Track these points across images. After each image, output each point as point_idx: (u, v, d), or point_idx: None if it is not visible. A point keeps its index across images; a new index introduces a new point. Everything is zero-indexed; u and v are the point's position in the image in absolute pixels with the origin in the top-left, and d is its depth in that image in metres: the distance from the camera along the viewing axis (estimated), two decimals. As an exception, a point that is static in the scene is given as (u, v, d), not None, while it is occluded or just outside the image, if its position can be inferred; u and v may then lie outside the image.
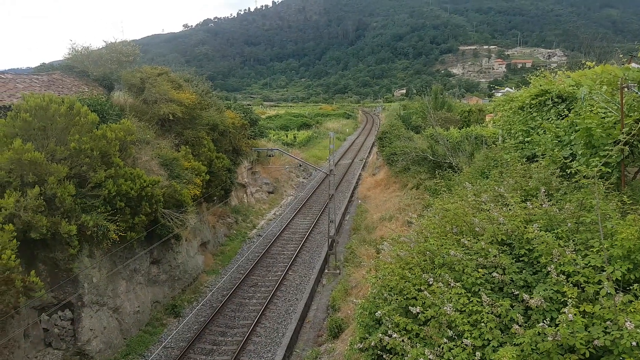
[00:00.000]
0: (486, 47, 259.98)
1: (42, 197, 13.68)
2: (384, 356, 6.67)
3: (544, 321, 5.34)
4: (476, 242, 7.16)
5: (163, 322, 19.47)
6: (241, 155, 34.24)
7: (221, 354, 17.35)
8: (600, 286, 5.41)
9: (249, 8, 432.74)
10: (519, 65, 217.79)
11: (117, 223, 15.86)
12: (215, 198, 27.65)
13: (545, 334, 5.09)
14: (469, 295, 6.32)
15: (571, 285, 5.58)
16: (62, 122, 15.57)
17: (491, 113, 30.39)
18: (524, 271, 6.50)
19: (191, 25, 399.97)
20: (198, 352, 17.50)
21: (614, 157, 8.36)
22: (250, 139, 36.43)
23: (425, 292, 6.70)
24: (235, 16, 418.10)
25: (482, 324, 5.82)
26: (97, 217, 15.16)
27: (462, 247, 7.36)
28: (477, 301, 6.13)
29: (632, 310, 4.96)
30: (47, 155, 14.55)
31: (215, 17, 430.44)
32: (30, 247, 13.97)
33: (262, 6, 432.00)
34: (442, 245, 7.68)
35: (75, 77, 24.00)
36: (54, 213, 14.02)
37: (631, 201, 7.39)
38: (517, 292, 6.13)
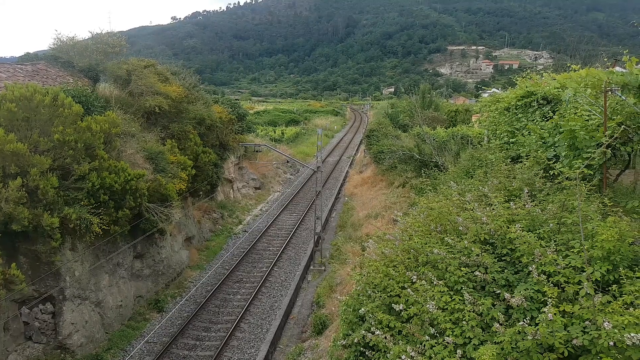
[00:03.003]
0: (474, 47, 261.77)
1: (24, 189, 13.49)
2: (366, 353, 6.72)
3: (525, 320, 5.41)
4: (459, 241, 7.23)
5: (146, 317, 19.34)
6: (228, 150, 34.06)
7: (204, 350, 17.29)
8: (580, 286, 5.50)
9: (238, 2, 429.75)
10: (506, 67, 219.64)
11: (101, 216, 15.68)
12: (201, 193, 27.50)
13: (525, 333, 5.16)
14: (452, 293, 6.38)
15: (552, 285, 5.66)
16: (46, 113, 15.34)
17: (477, 113, 30.66)
18: (505, 270, 6.58)
19: (180, 18, 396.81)
20: (181, 347, 17.42)
21: (596, 159, 8.48)
22: (237, 134, 36.23)
23: (408, 289, 6.75)
24: (225, 10, 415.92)
25: (464, 322, 5.88)
26: (80, 210, 14.98)
27: (446, 245, 7.43)
28: (459, 299, 6.19)
29: (611, 310, 5.05)
30: (30, 146, 14.33)
31: (204, 10, 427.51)
32: (12, 239, 13.77)
33: (252, 0, 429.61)
34: (426, 244, 7.75)
35: (60, 67, 23.64)
36: (36, 205, 13.84)
37: (612, 203, 7.52)
38: (498, 291, 6.20)
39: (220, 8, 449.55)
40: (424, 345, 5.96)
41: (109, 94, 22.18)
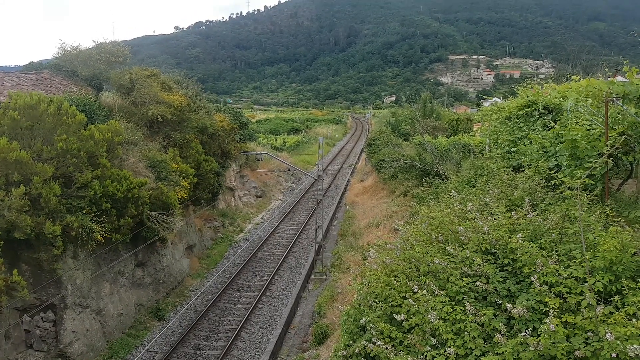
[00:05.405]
0: (475, 56, 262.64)
1: (26, 197, 13.52)
2: (367, 363, 6.67)
3: (526, 331, 5.38)
4: (461, 251, 7.21)
5: (147, 326, 19.29)
6: (230, 158, 34.13)
7: (205, 359, 17.23)
8: (582, 297, 5.47)
9: (241, 12, 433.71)
10: (507, 76, 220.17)
11: (103, 224, 15.72)
12: (202, 201, 27.51)
13: (527, 344, 5.13)
14: (453, 303, 6.36)
15: (553, 295, 5.64)
16: (50, 121, 15.42)
17: (479, 122, 30.71)
18: (507, 281, 6.56)
19: (183, 28, 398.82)
20: (181, 357, 17.36)
21: (598, 169, 8.48)
22: (239, 143, 36.32)
23: (409, 299, 6.72)
24: (227, 20, 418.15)
25: (466, 333, 5.85)
26: (82, 218, 15.01)
27: (447, 255, 7.41)
28: (460, 310, 6.16)
29: (613, 321, 5.02)
30: (34, 154, 14.39)
31: (207, 20, 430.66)
32: (14, 247, 13.78)
33: (255, 10, 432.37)
34: (427, 253, 7.72)
35: (64, 76, 23.79)
36: (38, 213, 13.86)
37: (614, 213, 7.50)
38: (500, 302, 6.18)
39: (223, 18, 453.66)
40: (425, 356, 5.93)
41: (112, 103, 22.29)
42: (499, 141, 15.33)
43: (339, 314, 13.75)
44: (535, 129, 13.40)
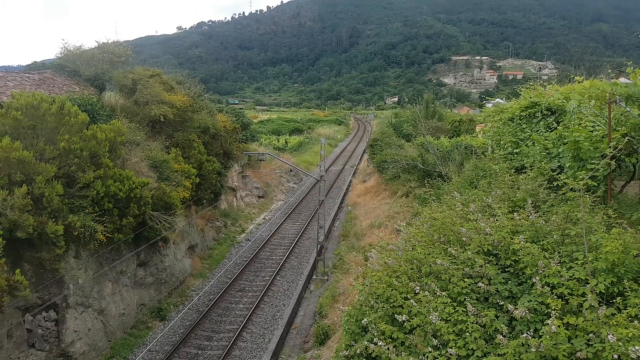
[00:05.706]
0: (478, 57, 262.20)
1: (29, 196, 13.56)
2: (369, 364, 6.66)
3: (528, 332, 5.38)
4: (463, 252, 7.21)
5: (148, 325, 19.31)
6: (232, 158, 34.16)
7: (206, 359, 17.24)
8: (584, 298, 5.47)
9: (243, 12, 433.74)
10: (510, 77, 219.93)
11: (105, 224, 15.74)
12: (204, 201, 27.54)
13: (528, 345, 5.13)
14: (455, 304, 6.36)
15: (555, 297, 5.64)
16: (53, 121, 15.47)
17: (481, 123, 30.66)
18: (509, 282, 6.55)
19: (185, 28, 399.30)
20: (183, 356, 17.37)
21: (601, 170, 8.47)
22: (241, 143, 36.35)
23: (411, 300, 6.73)
24: (230, 20, 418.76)
25: (467, 334, 5.85)
26: (84, 218, 15.04)
27: (449, 256, 7.41)
28: (462, 311, 6.16)
29: (615, 323, 5.02)
30: (36, 154, 14.43)
31: (210, 20, 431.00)
32: (16, 247, 13.81)
33: (257, 11, 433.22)
34: (429, 254, 7.72)
35: (66, 76, 23.85)
36: (41, 212, 13.89)
37: (616, 215, 7.49)
38: (502, 303, 6.18)
39: (225, 18, 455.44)
40: (427, 357, 5.93)
41: (115, 103, 22.33)
42: (501, 142, 15.31)
43: (340, 314, 13.76)
44: (538, 130, 13.38)
